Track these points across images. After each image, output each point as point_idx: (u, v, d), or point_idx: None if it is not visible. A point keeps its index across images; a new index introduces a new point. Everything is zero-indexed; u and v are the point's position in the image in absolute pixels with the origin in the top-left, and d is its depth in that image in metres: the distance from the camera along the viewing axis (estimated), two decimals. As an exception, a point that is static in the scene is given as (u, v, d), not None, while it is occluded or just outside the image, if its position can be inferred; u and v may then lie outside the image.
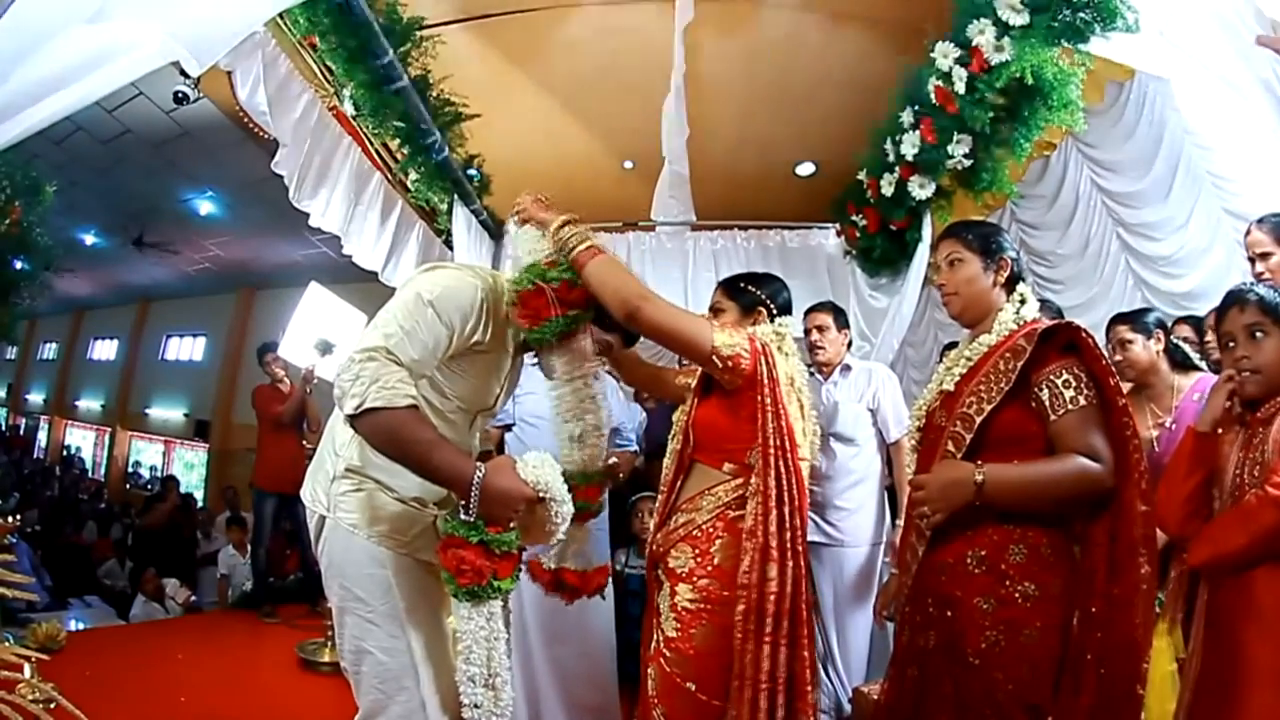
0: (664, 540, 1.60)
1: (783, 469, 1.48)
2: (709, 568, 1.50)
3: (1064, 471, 1.35)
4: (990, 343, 1.49)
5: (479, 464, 1.24)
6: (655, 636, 1.56)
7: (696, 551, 1.53)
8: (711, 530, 1.53)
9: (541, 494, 1.26)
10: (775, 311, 1.76)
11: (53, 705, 1.51)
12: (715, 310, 1.81)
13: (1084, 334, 1.41)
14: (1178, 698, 1.51)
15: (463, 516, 1.23)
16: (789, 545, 1.46)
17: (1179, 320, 2.70)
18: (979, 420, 1.40)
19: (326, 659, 3.22)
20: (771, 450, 1.48)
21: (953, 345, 1.75)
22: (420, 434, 1.24)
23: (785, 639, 1.43)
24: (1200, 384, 2.15)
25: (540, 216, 1.51)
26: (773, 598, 1.42)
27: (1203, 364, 2.28)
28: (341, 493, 1.37)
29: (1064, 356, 1.41)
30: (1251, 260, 2.00)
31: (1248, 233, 2.03)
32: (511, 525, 1.26)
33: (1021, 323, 1.49)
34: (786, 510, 1.47)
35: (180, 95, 3.38)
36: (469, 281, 1.40)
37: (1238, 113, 1.97)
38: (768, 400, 1.51)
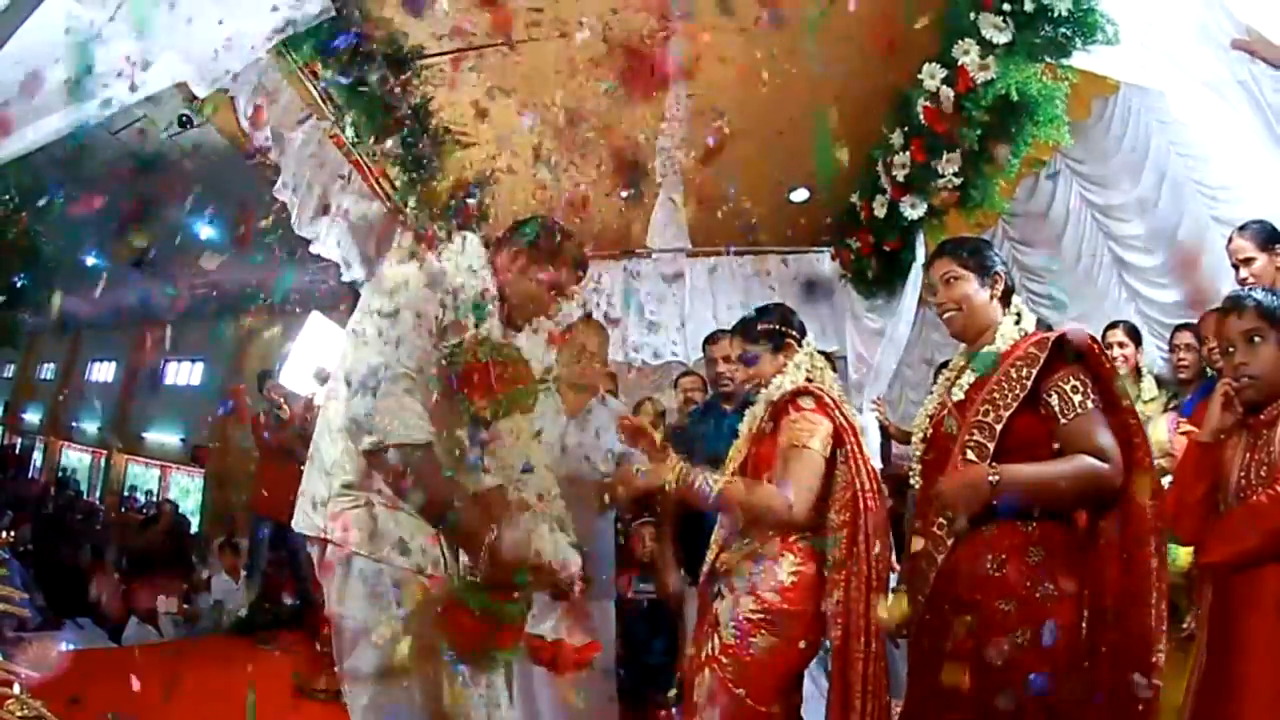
0: (727, 560, 1.79)
1: (874, 509, 1.69)
2: (773, 583, 1.68)
3: (1075, 470, 1.39)
4: (998, 352, 1.53)
5: (493, 525, 1.23)
6: (708, 645, 1.72)
7: (761, 569, 1.71)
8: (775, 549, 1.71)
9: (555, 569, 1.28)
10: (799, 337, 1.85)
11: (41, 722, 1.48)
12: (749, 361, 1.86)
13: (1091, 340, 1.46)
14: (1181, 701, 1.50)
15: (468, 577, 1.22)
16: (883, 577, 1.69)
17: (1179, 328, 2.71)
18: (999, 427, 1.43)
19: (322, 686, 3.17)
20: (865, 496, 1.69)
21: (947, 364, 1.80)
22: (438, 478, 1.24)
23: (878, 654, 1.67)
24: None
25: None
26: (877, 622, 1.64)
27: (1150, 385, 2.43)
28: (339, 511, 1.36)
29: (1069, 364, 1.45)
30: (1235, 266, 2.04)
31: (1230, 240, 2.07)
32: (516, 596, 1.25)
33: (1023, 333, 1.53)
34: (880, 546, 1.68)
35: (184, 119, 3.46)
36: (432, 269, 1.42)
37: (1221, 116, 2.02)
38: (855, 451, 1.71)
